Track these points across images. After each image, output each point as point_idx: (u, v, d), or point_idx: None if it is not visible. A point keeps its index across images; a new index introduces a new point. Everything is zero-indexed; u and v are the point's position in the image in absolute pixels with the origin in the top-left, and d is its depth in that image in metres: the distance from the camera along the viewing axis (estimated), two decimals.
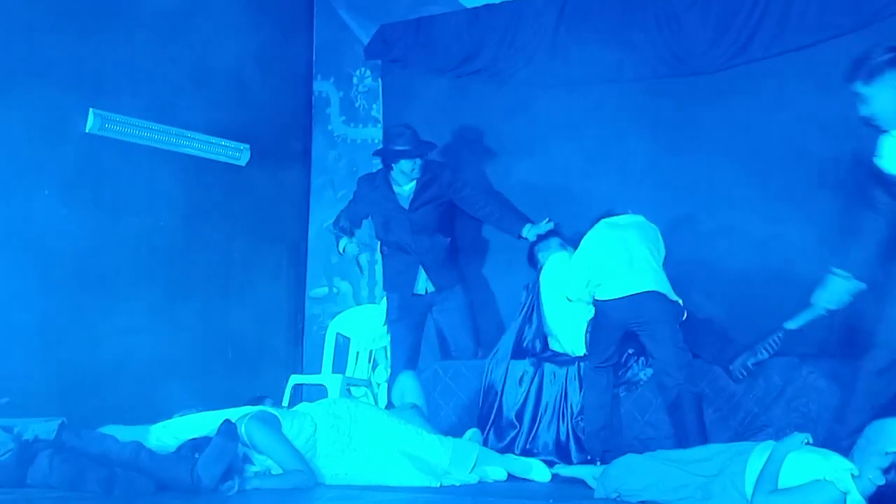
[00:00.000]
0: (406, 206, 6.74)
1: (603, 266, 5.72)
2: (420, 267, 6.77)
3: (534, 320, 6.37)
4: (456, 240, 6.97)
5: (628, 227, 5.85)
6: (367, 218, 7.03)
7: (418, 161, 6.64)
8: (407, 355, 6.80)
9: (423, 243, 6.76)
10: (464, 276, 6.96)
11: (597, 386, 5.81)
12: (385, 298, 7.39)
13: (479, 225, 7.14)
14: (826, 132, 6.25)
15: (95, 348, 6.66)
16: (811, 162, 6.30)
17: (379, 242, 7.06)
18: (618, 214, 6.04)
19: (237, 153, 7.64)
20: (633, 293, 5.60)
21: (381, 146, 7.80)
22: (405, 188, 6.75)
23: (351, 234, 7.00)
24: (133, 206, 7.03)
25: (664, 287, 5.63)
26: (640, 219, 5.96)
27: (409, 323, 6.83)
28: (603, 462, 5.43)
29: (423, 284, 6.79)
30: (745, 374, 5.54)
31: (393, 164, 6.66)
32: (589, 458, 5.73)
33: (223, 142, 7.55)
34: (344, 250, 7.03)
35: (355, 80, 8.16)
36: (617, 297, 5.64)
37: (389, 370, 7.22)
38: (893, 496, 4.25)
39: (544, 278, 6.36)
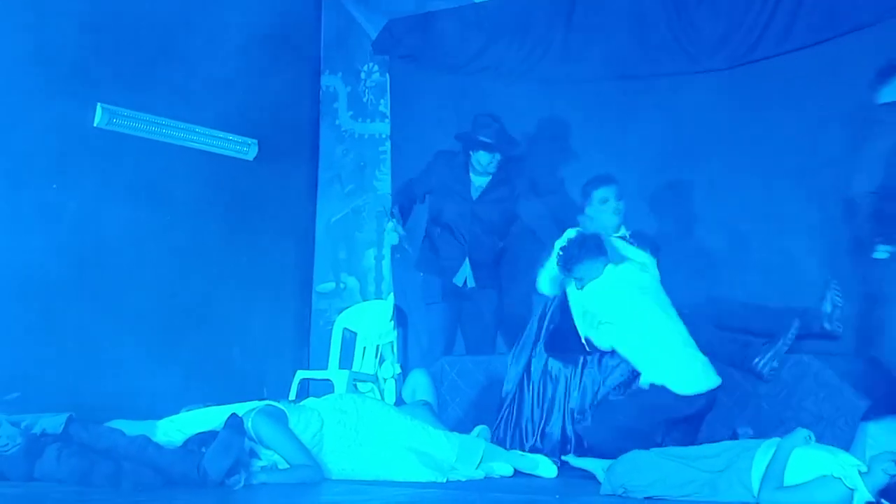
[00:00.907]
0: (474, 197, 6.64)
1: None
2: (467, 259, 6.65)
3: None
4: (506, 243, 6.84)
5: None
6: (430, 193, 6.82)
7: (497, 156, 6.52)
8: (448, 339, 6.69)
9: (477, 237, 6.64)
10: (500, 279, 6.87)
11: None
12: (392, 294, 7.41)
13: (531, 234, 6.90)
14: (837, 129, 6.25)
15: (103, 342, 6.68)
16: (822, 160, 6.29)
17: (428, 222, 6.86)
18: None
19: (245, 148, 7.64)
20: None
21: (387, 141, 7.82)
22: (479, 179, 6.63)
23: (404, 217, 6.77)
24: (141, 201, 7.03)
25: None
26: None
27: (449, 307, 6.70)
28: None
29: (462, 276, 6.66)
30: (774, 372, 5.54)
31: (472, 153, 6.55)
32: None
33: (231, 136, 7.55)
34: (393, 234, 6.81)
35: (363, 75, 8.16)
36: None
37: (398, 364, 7.23)
38: None
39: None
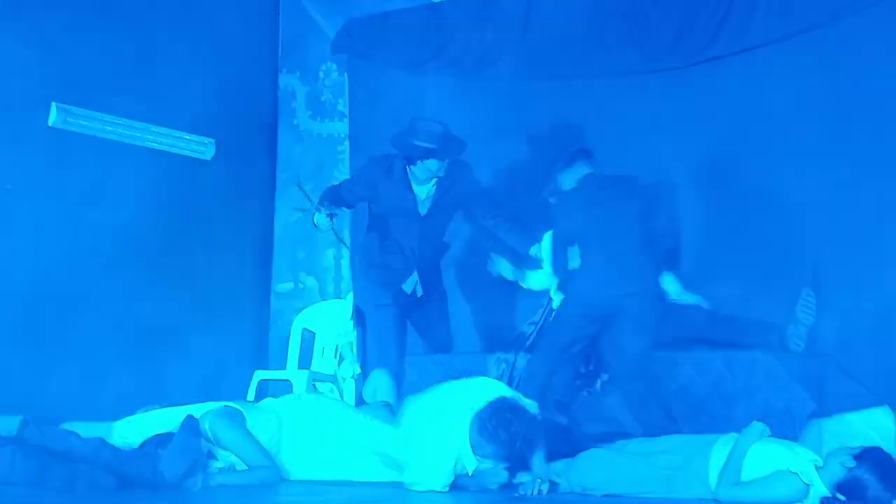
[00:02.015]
0: (423, 212, 6.31)
1: None
2: (415, 271, 6.40)
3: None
4: (451, 241, 6.65)
5: None
6: (364, 201, 6.51)
7: (446, 161, 6.18)
8: (399, 340, 6.45)
9: (425, 251, 6.37)
10: (442, 276, 6.79)
11: None
12: (351, 294, 7.36)
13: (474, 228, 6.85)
14: (792, 128, 6.32)
15: (58, 344, 6.62)
16: (778, 160, 6.36)
17: (368, 230, 6.55)
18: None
19: (202, 147, 7.60)
20: None
21: (346, 141, 7.79)
22: (423, 188, 6.29)
23: (333, 215, 6.41)
24: (97, 201, 6.97)
25: None
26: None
27: (399, 309, 6.43)
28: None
29: (411, 284, 6.41)
30: (801, 343, 5.70)
31: (418, 161, 6.17)
32: None
33: (188, 136, 7.50)
34: (317, 224, 6.46)
35: (321, 75, 8.14)
36: None
37: (357, 364, 7.19)
38: (858, 489, 4.29)
39: None
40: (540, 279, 6.15)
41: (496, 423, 4.71)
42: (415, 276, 6.38)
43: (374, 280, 6.45)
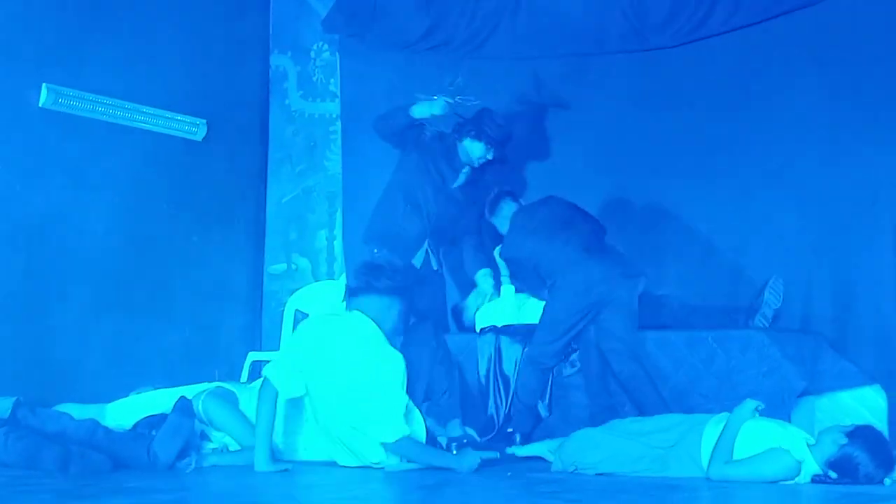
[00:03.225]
0: (453, 185, 6.40)
1: None
2: (426, 241, 6.42)
3: None
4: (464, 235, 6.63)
5: None
6: (399, 149, 6.47)
7: (489, 156, 6.26)
8: (405, 324, 6.50)
9: (443, 223, 6.41)
10: (454, 264, 6.70)
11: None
12: (344, 275, 7.36)
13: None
14: (782, 109, 6.32)
15: (51, 326, 6.60)
16: (765, 138, 6.37)
17: (390, 188, 6.52)
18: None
19: (193, 128, 7.57)
20: None
21: (338, 121, 7.77)
22: (461, 171, 6.40)
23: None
24: (88, 182, 6.94)
25: None
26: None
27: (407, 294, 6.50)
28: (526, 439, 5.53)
29: (420, 257, 6.42)
30: (766, 323, 5.76)
31: (464, 139, 6.25)
32: (511, 430, 5.78)
33: (179, 117, 7.46)
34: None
35: (313, 55, 8.09)
36: None
37: None
38: (850, 467, 4.31)
39: None
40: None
41: None
42: (424, 246, 6.40)
43: (381, 244, 6.41)
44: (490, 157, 6.30)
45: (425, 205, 6.38)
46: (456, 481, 4.46)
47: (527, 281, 6.01)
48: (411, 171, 6.43)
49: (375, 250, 6.34)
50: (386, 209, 6.48)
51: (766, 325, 5.77)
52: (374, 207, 6.57)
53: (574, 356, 5.88)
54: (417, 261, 6.43)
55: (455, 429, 5.32)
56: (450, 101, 6.37)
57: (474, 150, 6.25)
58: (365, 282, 5.20)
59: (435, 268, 6.48)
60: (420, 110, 6.26)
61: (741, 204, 6.46)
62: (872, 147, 6.09)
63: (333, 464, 5.06)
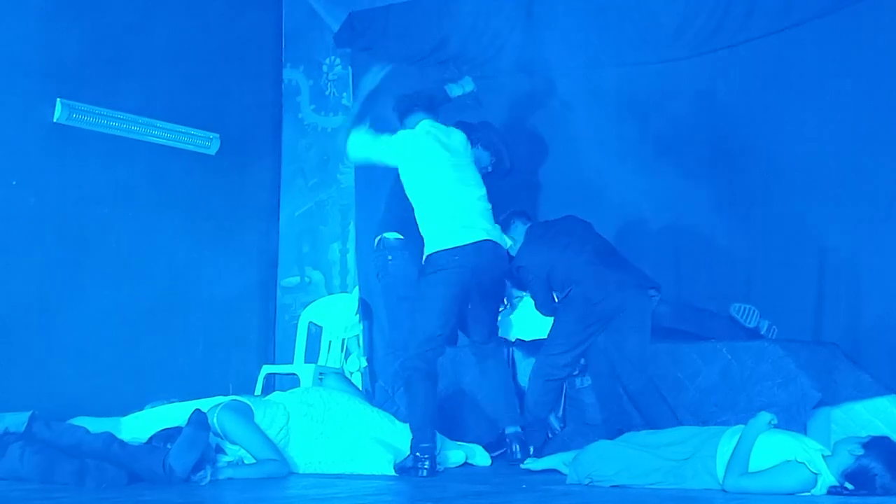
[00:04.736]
0: None
1: None
2: None
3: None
4: None
5: None
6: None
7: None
8: None
9: None
10: None
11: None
12: (357, 288, 7.37)
13: None
14: (794, 120, 6.32)
15: (64, 339, 6.63)
16: (773, 151, 6.36)
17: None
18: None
19: (207, 142, 7.60)
20: None
21: None
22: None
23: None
24: (102, 197, 6.98)
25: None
26: None
27: None
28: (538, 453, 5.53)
29: None
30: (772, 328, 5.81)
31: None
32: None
33: (193, 131, 7.51)
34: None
35: (325, 69, 8.13)
36: None
37: (364, 358, 7.22)
38: (866, 478, 4.29)
39: None
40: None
41: None
42: None
43: (394, 227, 6.39)
44: (490, 169, 6.32)
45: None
46: (472, 494, 4.46)
47: (537, 292, 5.97)
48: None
49: (390, 257, 6.35)
50: (399, 198, 6.48)
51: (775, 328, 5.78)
52: (387, 194, 6.52)
53: (586, 368, 5.87)
54: None
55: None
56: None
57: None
58: None
59: None
60: (455, 89, 6.29)
61: (753, 211, 6.44)
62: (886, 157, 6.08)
63: (350, 475, 5.06)
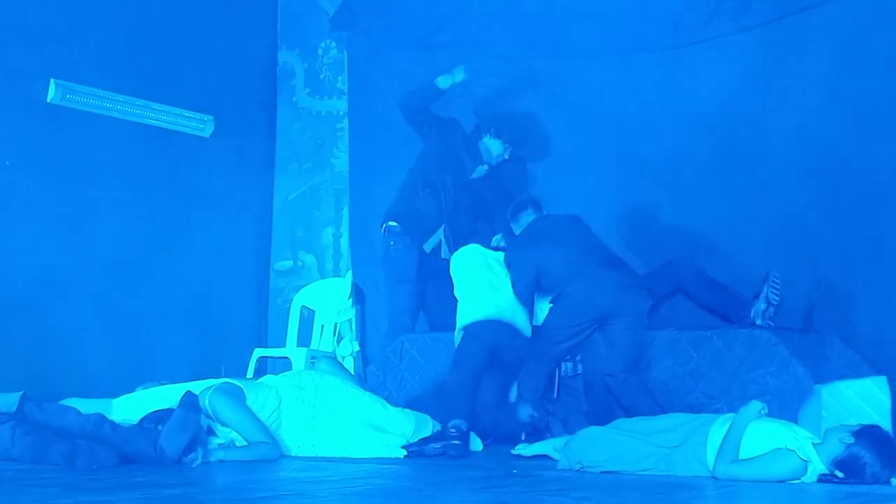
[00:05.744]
0: (472, 176, 6.58)
1: None
2: (442, 227, 6.56)
3: None
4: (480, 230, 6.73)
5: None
6: (424, 136, 6.61)
7: (506, 156, 6.43)
8: (413, 319, 6.61)
9: (460, 210, 6.56)
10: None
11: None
12: (350, 272, 7.37)
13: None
14: (788, 107, 6.31)
15: (58, 321, 6.62)
16: (770, 139, 6.35)
17: (414, 171, 6.68)
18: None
19: (201, 125, 7.59)
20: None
21: (345, 118, 7.77)
22: (480, 167, 6.59)
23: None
24: (96, 178, 6.97)
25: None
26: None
27: (418, 287, 6.59)
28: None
29: (433, 244, 6.56)
30: (769, 320, 5.72)
31: (483, 137, 6.41)
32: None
33: (187, 113, 7.50)
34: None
35: (320, 52, 8.11)
36: None
37: (356, 342, 7.22)
38: (856, 466, 4.30)
39: None
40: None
41: None
42: (440, 234, 6.42)
43: (401, 220, 6.53)
44: (507, 155, 6.40)
45: (444, 190, 6.50)
46: (464, 479, 4.46)
47: (516, 283, 5.91)
48: (432, 158, 6.56)
49: (392, 243, 6.47)
50: (407, 192, 6.61)
51: (771, 323, 5.75)
52: (398, 189, 6.68)
53: (578, 357, 5.87)
54: (428, 246, 6.49)
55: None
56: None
57: (493, 147, 6.34)
58: None
59: (444, 256, 6.49)
60: (444, 80, 6.33)
61: (742, 203, 6.43)
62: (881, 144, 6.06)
63: (341, 459, 5.06)
